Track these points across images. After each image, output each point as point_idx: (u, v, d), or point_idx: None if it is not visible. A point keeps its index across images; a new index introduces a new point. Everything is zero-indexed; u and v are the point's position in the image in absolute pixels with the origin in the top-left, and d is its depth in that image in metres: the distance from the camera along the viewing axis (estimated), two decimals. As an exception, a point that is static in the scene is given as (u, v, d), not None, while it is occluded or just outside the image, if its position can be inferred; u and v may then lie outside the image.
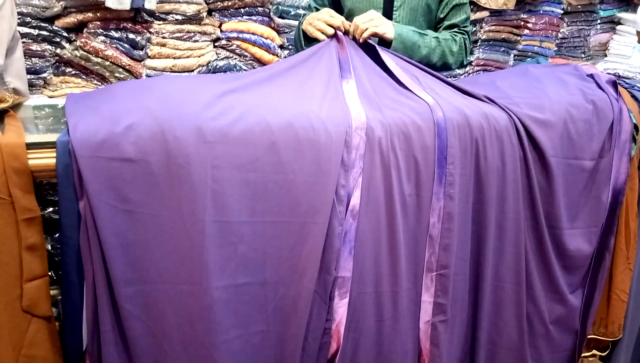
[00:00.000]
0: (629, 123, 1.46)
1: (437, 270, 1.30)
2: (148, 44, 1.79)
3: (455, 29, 1.61)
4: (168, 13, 1.79)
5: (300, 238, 1.19)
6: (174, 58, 1.83)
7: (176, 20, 1.80)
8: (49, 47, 1.65)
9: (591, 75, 1.54)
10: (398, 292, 1.28)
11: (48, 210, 1.34)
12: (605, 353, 1.66)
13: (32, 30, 1.61)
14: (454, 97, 1.35)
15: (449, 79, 1.46)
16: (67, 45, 1.69)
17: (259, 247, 1.19)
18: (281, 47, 1.98)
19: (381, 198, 1.24)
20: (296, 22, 1.89)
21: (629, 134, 1.46)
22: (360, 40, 1.43)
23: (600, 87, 1.48)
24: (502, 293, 1.40)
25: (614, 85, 1.50)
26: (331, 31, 1.43)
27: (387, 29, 1.46)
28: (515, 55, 2.26)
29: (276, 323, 1.23)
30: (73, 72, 1.72)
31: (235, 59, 1.94)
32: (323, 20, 1.45)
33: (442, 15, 1.62)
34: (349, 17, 1.60)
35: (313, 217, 1.18)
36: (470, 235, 1.34)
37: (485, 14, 2.16)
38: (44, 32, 1.64)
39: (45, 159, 1.12)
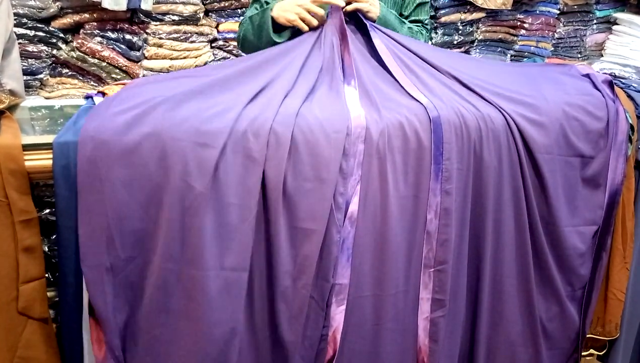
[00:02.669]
0: (625, 123, 1.46)
1: (435, 266, 1.30)
2: (145, 44, 1.79)
3: (420, 24, 1.62)
4: (165, 14, 1.78)
5: (296, 243, 1.19)
6: (171, 59, 1.83)
7: (173, 21, 1.80)
8: (45, 48, 1.65)
9: (587, 75, 1.54)
10: (396, 295, 1.28)
11: (45, 212, 1.34)
12: (602, 353, 1.66)
13: (28, 32, 1.61)
14: (450, 96, 1.34)
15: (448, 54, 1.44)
16: (63, 46, 1.69)
17: (255, 248, 1.19)
18: (278, 47, 1.98)
19: (379, 203, 1.24)
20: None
21: (626, 135, 1.46)
22: (343, 9, 1.38)
23: (596, 87, 1.49)
24: (502, 289, 1.40)
25: (610, 85, 1.51)
26: (316, 23, 1.36)
27: (372, 8, 1.43)
28: (511, 56, 2.26)
29: (271, 328, 1.23)
30: (69, 73, 1.72)
31: (233, 59, 1.94)
32: (306, 8, 1.36)
33: (406, 13, 1.61)
34: None
35: (309, 222, 1.18)
36: (469, 230, 1.34)
37: (482, 14, 2.17)
38: (40, 33, 1.63)
39: (41, 161, 1.12)
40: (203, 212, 1.12)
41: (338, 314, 1.24)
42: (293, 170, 1.17)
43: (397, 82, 1.37)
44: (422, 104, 1.29)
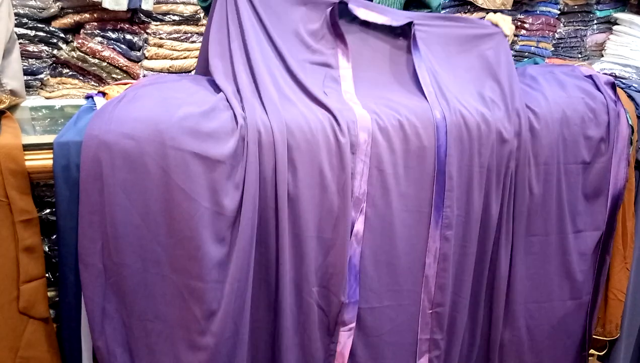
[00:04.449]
0: (627, 128, 1.46)
1: (434, 308, 1.33)
2: (145, 44, 1.79)
3: None
4: (165, 14, 1.79)
5: (299, 251, 1.20)
6: (171, 59, 1.83)
7: (173, 21, 1.80)
8: (45, 48, 1.65)
9: (590, 77, 1.54)
10: (402, 306, 1.31)
11: (45, 212, 1.34)
12: (603, 353, 1.66)
13: (28, 31, 1.61)
14: (466, 103, 1.33)
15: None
16: (64, 46, 1.69)
17: (258, 257, 1.20)
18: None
19: (385, 219, 1.25)
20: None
21: (627, 139, 1.46)
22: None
23: (598, 89, 1.49)
24: (515, 312, 1.43)
25: (613, 87, 1.50)
26: None
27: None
28: (512, 56, 2.26)
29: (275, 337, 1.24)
30: (70, 73, 1.72)
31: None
32: None
33: None
34: None
35: (312, 231, 1.19)
36: (473, 269, 1.36)
37: (482, 14, 2.17)
38: (41, 33, 1.63)
39: (42, 160, 1.12)
40: (204, 225, 1.12)
41: (346, 331, 1.25)
42: (294, 179, 1.18)
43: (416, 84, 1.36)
44: (434, 119, 1.28)
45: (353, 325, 1.26)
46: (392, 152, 1.24)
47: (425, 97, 1.31)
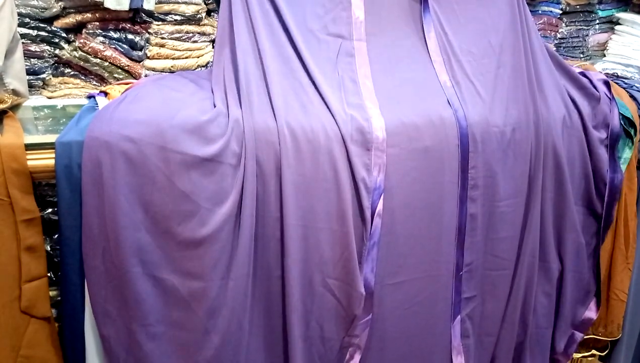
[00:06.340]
0: (619, 125, 1.47)
1: (464, 269, 1.33)
2: (147, 44, 1.79)
3: None
4: (167, 13, 1.79)
5: (308, 243, 1.20)
6: (173, 59, 1.83)
7: (175, 20, 1.80)
8: (47, 47, 1.65)
9: (582, 73, 1.56)
10: (422, 302, 1.31)
11: (47, 211, 1.34)
12: (604, 353, 1.66)
13: (30, 31, 1.61)
14: (480, 91, 1.33)
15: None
16: (66, 45, 1.69)
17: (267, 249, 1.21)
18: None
19: (403, 214, 1.25)
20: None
21: (619, 137, 1.47)
22: None
23: (593, 86, 1.51)
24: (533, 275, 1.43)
25: (606, 84, 1.52)
26: None
27: None
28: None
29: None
30: (72, 72, 1.72)
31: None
32: None
33: None
34: None
35: (325, 222, 1.19)
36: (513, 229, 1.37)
37: (484, 14, 2.16)
38: (43, 33, 1.64)
39: (44, 160, 1.13)
40: (204, 226, 1.12)
41: (363, 324, 1.25)
42: (312, 172, 1.18)
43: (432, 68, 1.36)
44: (451, 105, 1.29)
45: (369, 317, 1.26)
46: (407, 139, 1.24)
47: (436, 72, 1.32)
